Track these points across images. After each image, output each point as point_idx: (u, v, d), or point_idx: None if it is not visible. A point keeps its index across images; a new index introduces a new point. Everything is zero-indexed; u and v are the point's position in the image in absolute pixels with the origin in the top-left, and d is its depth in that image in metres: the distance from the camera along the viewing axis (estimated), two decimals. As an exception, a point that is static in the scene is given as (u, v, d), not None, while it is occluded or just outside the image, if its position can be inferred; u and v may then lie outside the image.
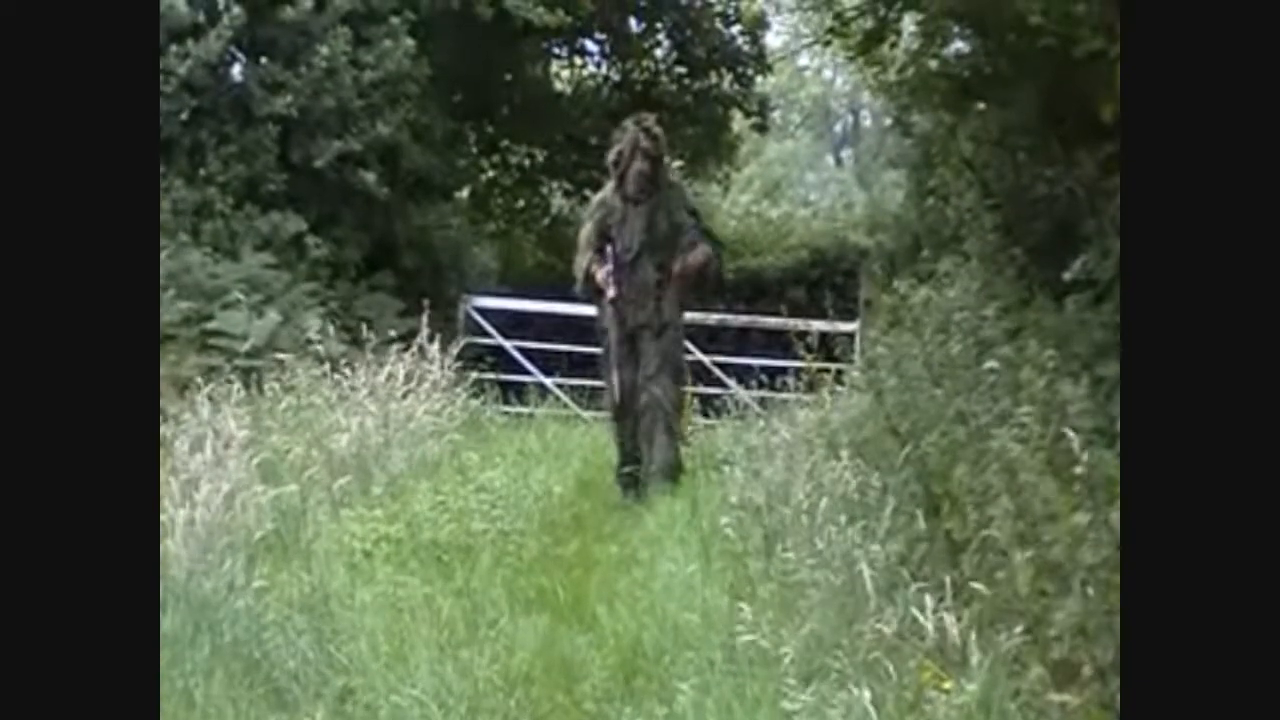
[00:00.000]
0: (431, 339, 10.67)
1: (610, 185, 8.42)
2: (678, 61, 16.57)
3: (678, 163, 16.95)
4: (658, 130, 8.33)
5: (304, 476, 7.63)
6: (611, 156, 8.35)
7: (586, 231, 8.49)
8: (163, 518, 6.78)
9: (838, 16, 8.79)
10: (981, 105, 7.41)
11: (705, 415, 11.59)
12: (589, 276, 8.32)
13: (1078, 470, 4.42)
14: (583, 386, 12.78)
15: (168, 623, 5.17)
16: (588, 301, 9.10)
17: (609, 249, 8.19)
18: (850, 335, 11.54)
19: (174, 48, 11.94)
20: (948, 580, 4.54)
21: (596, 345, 9.42)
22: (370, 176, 12.83)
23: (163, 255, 11.36)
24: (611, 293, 8.16)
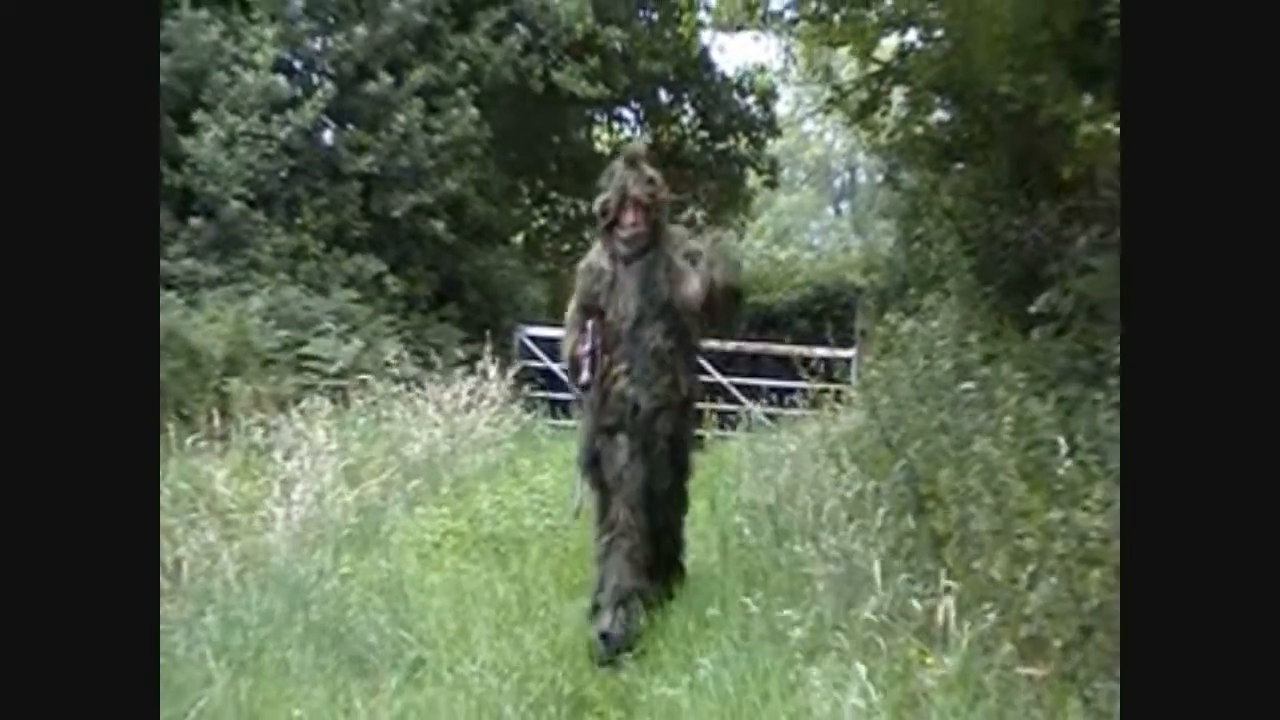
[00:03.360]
0: (490, 363, 10.74)
1: (597, 245, 5.51)
2: (701, 127, 16.64)
3: (700, 213, 17.10)
4: (652, 171, 5.34)
5: (382, 479, 7.67)
6: (598, 206, 5.41)
7: (571, 310, 5.50)
8: (263, 514, 6.82)
9: (836, 89, 8.84)
10: (960, 165, 7.41)
11: (721, 429, 11.60)
12: (578, 364, 5.35)
13: (1059, 473, 4.46)
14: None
15: (267, 603, 5.25)
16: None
17: (592, 323, 5.32)
18: (848, 360, 11.53)
19: (275, 117, 12.06)
20: (933, 569, 4.55)
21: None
22: (439, 225, 12.93)
23: (263, 291, 11.47)
24: (584, 377, 5.33)
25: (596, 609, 5.12)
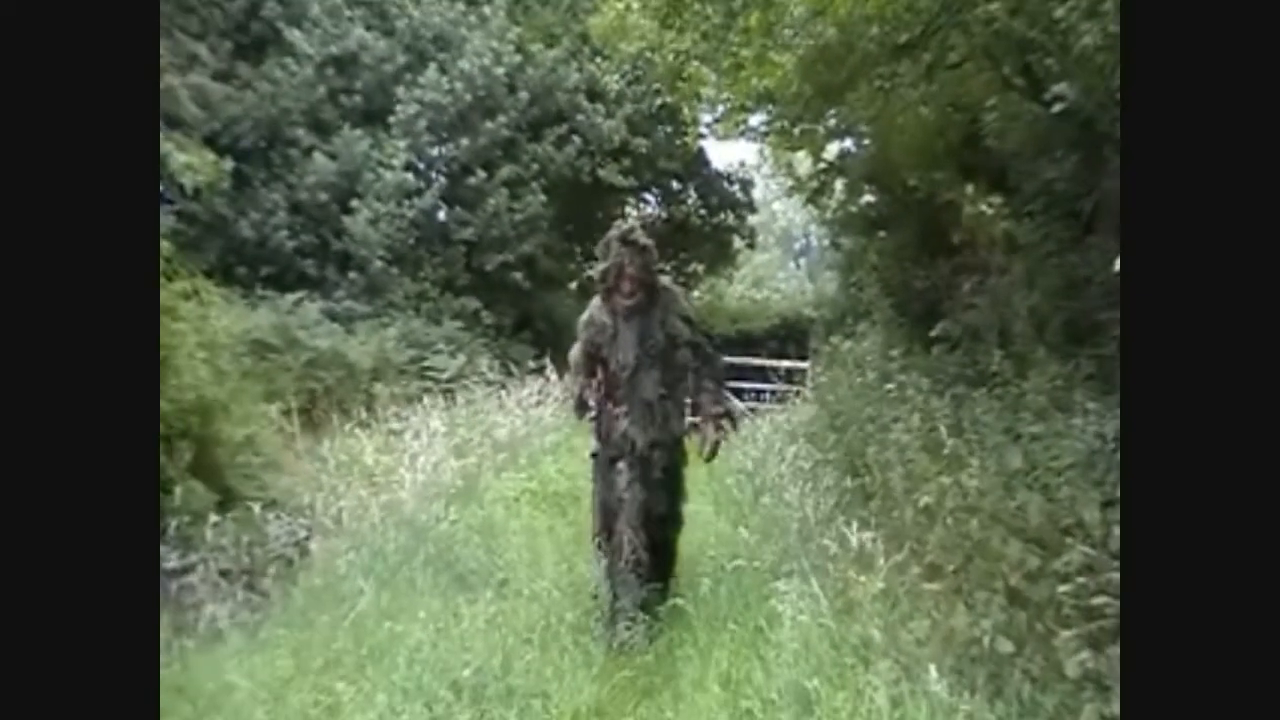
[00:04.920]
0: (553, 371, 10.73)
1: (598, 300, 4.69)
2: (701, 206, 16.58)
3: (700, 266, 17.10)
4: (643, 239, 4.58)
5: (478, 454, 7.66)
6: (598, 276, 4.71)
7: (575, 353, 4.78)
8: (397, 478, 6.86)
9: (796, 179, 8.89)
10: (882, 233, 7.41)
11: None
12: (583, 401, 4.71)
13: (948, 449, 4.44)
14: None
15: (400, 540, 5.23)
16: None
17: (599, 371, 4.63)
18: (804, 370, 11.48)
19: (405, 202, 12.13)
20: (863, 516, 4.54)
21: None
22: (518, 275, 12.91)
23: (397, 323, 11.49)
24: (586, 415, 4.75)
25: (613, 619, 4.27)
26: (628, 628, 4.15)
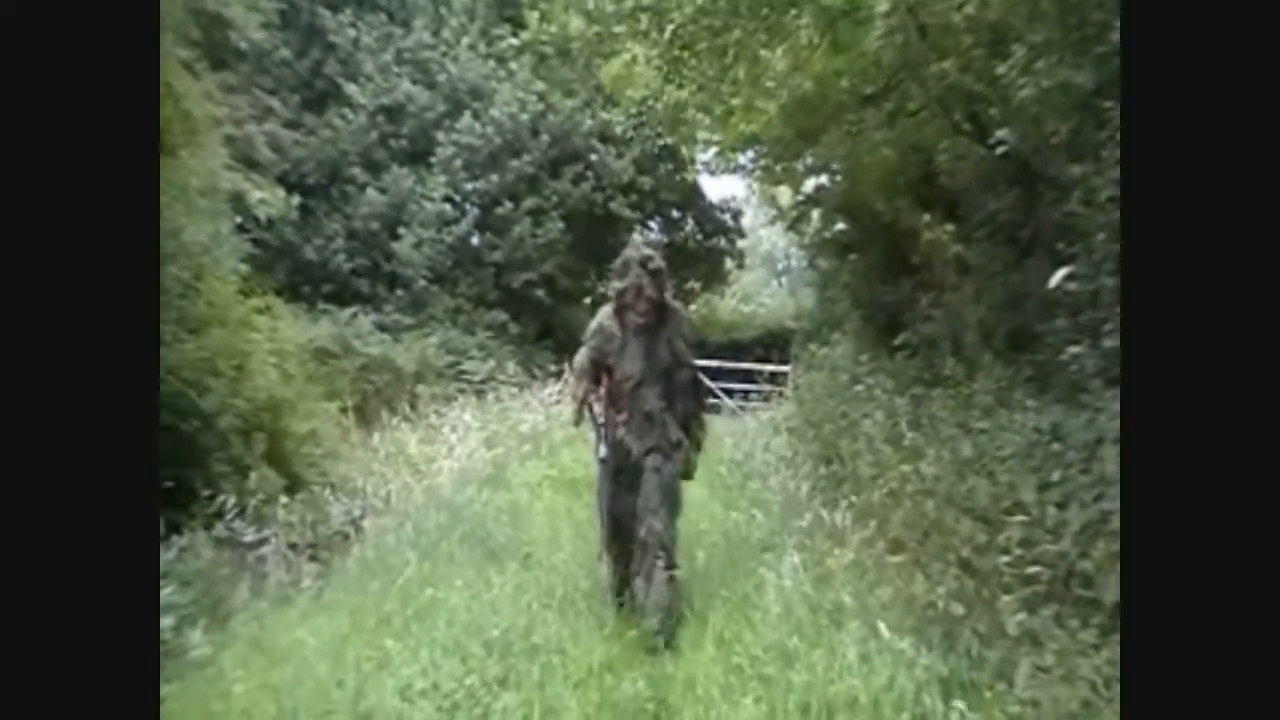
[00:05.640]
0: (570, 375, 10.70)
1: (609, 310, 4.09)
2: (698, 232, 16.55)
3: (697, 284, 17.06)
4: (659, 264, 4.07)
5: (506, 445, 7.64)
6: (613, 294, 4.10)
7: (582, 359, 4.14)
8: (437, 465, 6.86)
9: (779, 209, 8.86)
10: (852, 256, 7.39)
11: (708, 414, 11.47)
12: (586, 406, 4.09)
13: (908, 441, 4.42)
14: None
15: (439, 518, 5.20)
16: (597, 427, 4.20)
17: (604, 379, 4.06)
18: (786, 373, 11.46)
19: (444, 229, 12.16)
20: (836, 498, 4.53)
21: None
22: (540, 292, 12.91)
23: (437, 333, 11.54)
24: (580, 420, 4.13)
25: (642, 613, 3.71)
26: (667, 625, 3.64)
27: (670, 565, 3.80)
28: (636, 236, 4.00)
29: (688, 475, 4.10)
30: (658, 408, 3.95)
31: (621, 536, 3.91)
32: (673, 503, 3.92)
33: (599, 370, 4.04)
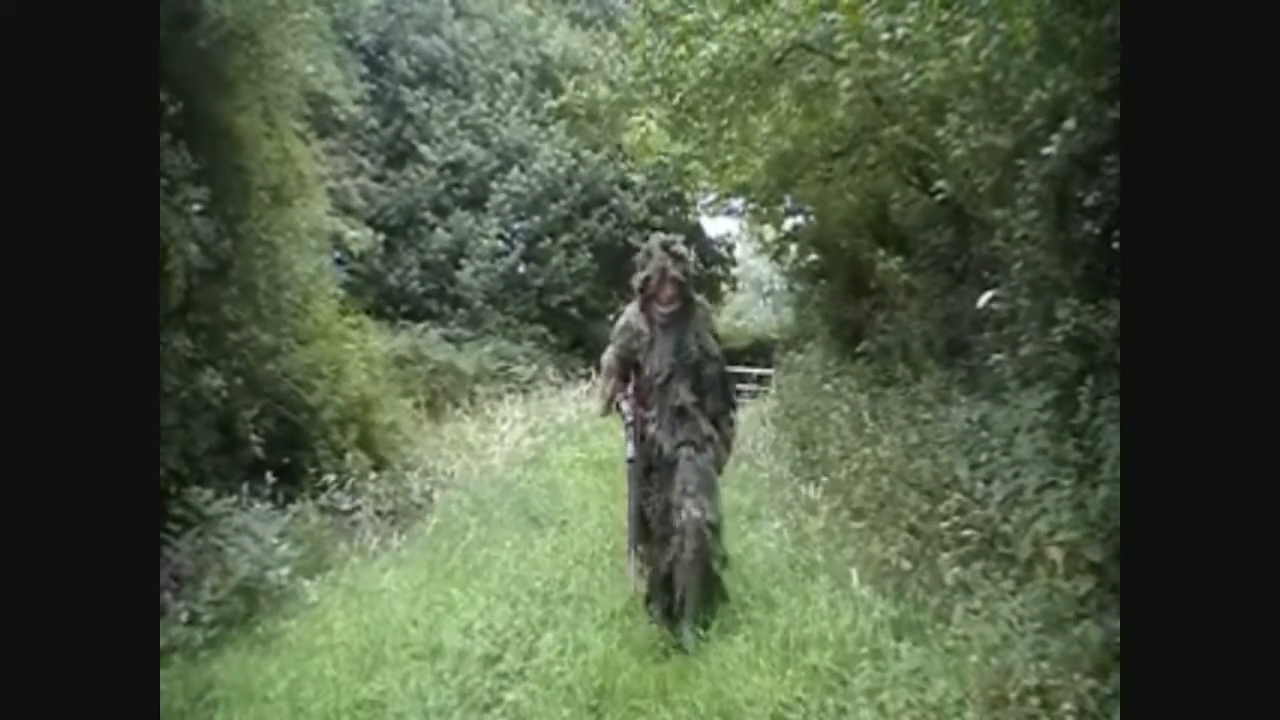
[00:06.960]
0: (599, 377, 10.65)
1: (635, 306, 3.25)
2: (699, 261, 16.49)
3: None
4: (682, 250, 3.27)
5: (546, 434, 7.63)
6: (638, 283, 3.21)
7: (609, 357, 3.30)
8: (491, 450, 6.89)
9: (764, 243, 8.83)
10: (822, 281, 7.37)
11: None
12: (615, 404, 3.26)
13: (868, 429, 4.41)
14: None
15: (493, 492, 5.21)
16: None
17: (632, 375, 3.21)
18: (770, 375, 11.42)
19: (496, 260, 12.19)
20: (811, 476, 4.52)
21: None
22: (574, 310, 12.83)
23: (490, 343, 11.57)
24: (607, 413, 3.38)
25: (672, 615, 2.99)
26: (695, 631, 2.87)
27: (709, 554, 2.92)
28: (654, 236, 3.31)
29: (718, 470, 3.20)
30: (689, 401, 3.11)
31: (651, 535, 3.08)
32: (712, 489, 3.04)
33: (627, 368, 3.23)
